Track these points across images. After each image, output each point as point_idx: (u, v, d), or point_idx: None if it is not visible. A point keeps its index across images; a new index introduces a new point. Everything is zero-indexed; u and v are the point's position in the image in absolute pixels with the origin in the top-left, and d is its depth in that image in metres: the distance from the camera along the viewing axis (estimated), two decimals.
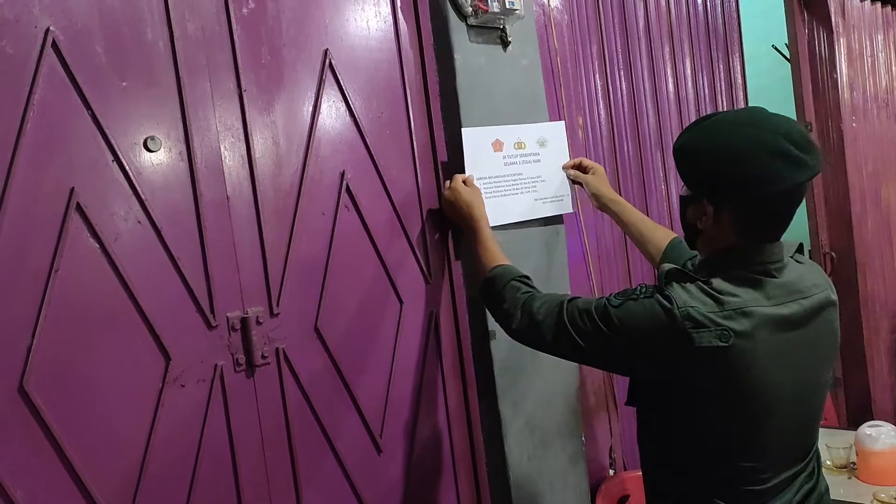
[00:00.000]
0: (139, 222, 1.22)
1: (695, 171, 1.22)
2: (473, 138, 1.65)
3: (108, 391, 1.17)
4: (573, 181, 1.82)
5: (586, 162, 1.82)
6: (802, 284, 1.20)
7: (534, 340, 1.32)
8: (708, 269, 1.21)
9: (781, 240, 1.22)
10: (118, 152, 1.20)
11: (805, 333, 1.19)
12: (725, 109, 2.65)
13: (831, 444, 2.12)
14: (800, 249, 1.28)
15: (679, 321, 1.12)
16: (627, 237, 1.84)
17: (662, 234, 1.69)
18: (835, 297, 1.26)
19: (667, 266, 1.23)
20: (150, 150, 1.24)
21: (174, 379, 1.24)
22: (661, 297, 1.15)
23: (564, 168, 1.81)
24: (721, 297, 1.14)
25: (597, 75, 2.17)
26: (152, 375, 1.22)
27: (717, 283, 1.16)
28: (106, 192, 1.19)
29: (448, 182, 1.63)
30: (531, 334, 1.31)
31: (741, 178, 1.14)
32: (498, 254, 1.49)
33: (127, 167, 1.20)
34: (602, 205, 1.78)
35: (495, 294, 1.40)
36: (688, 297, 1.14)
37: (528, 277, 1.41)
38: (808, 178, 1.13)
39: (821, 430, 2.33)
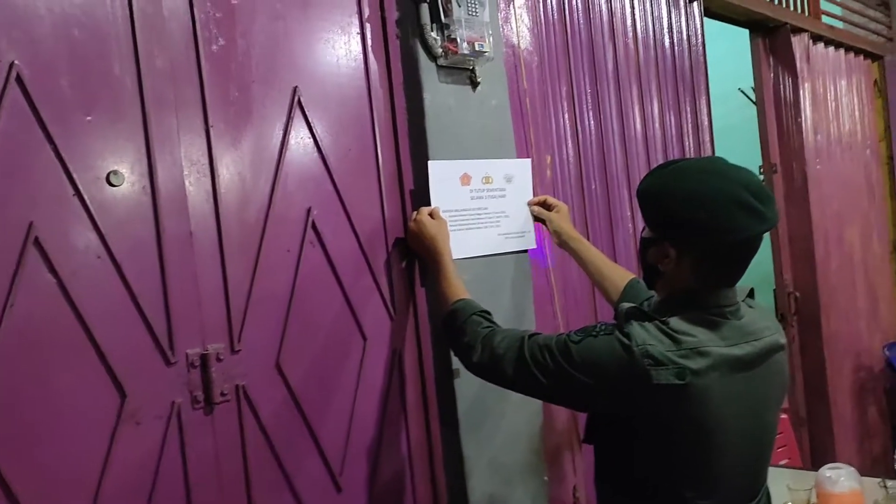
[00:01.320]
0: (98, 257, 1.21)
1: (659, 213, 1.25)
2: (440, 171, 1.67)
3: (60, 429, 1.15)
4: (536, 218, 1.85)
5: (551, 200, 1.85)
6: (754, 327, 1.25)
7: (494, 375, 1.33)
8: (665, 309, 1.24)
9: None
10: (80, 187, 1.19)
11: (756, 374, 1.23)
12: (692, 149, 2.70)
13: (793, 485, 2.13)
14: (751, 294, 1.34)
15: (637, 358, 1.15)
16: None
17: (620, 274, 1.72)
18: (783, 340, 1.30)
19: (626, 305, 1.27)
20: (112, 185, 1.23)
21: (129, 416, 1.22)
22: (620, 335, 1.18)
23: (529, 204, 1.84)
24: (678, 336, 1.17)
25: (566, 115, 2.20)
26: (107, 412, 1.20)
27: (675, 322, 1.19)
28: (65, 226, 1.17)
29: (414, 213, 1.65)
30: (491, 369, 1.32)
31: (704, 223, 1.17)
32: (460, 288, 1.50)
33: (88, 202, 1.20)
34: (562, 242, 1.82)
35: (456, 328, 1.41)
36: (646, 336, 1.17)
37: (488, 313, 1.43)
38: (765, 229, 1.18)
39: (784, 470, 2.35)
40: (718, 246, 1.18)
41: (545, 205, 1.85)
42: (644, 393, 1.15)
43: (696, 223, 1.17)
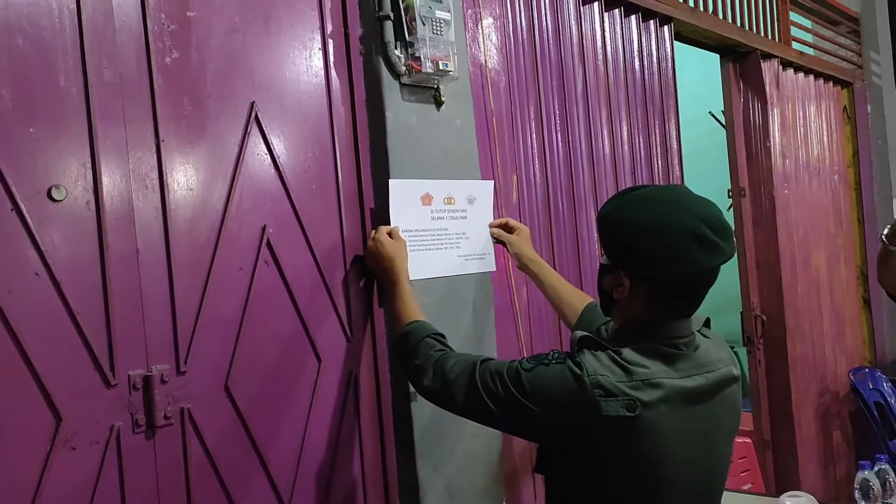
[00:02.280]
0: (37, 274, 1.16)
1: (613, 242, 1.24)
2: (401, 190, 1.64)
3: None
4: (497, 240, 1.83)
5: (512, 222, 1.84)
6: (708, 358, 1.24)
7: (444, 400, 1.30)
8: (619, 339, 1.23)
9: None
10: (18, 201, 1.14)
11: (709, 407, 1.22)
12: (661, 172, 2.70)
13: None
14: (707, 324, 1.33)
15: (588, 388, 1.13)
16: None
17: (579, 298, 1.71)
18: (737, 372, 1.29)
19: (579, 333, 1.25)
20: (54, 200, 1.19)
21: (64, 441, 1.17)
22: (572, 364, 1.16)
23: (490, 226, 1.83)
24: (630, 367, 1.15)
25: (533, 136, 2.19)
26: (40, 437, 1.15)
27: (627, 353, 1.17)
28: (2, 242, 1.13)
29: (373, 232, 1.62)
30: (442, 393, 1.29)
31: (656, 255, 1.16)
32: (415, 310, 1.47)
33: (27, 216, 1.15)
34: (523, 265, 1.81)
35: (409, 350, 1.38)
36: (598, 366, 1.15)
37: (443, 336, 1.40)
38: (720, 262, 1.16)
39: (746, 496, 2.35)
40: (673, 278, 1.17)
41: (507, 227, 1.83)
42: (593, 424, 1.13)
43: (651, 254, 1.16)
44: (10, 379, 1.13)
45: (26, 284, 1.15)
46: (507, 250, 1.83)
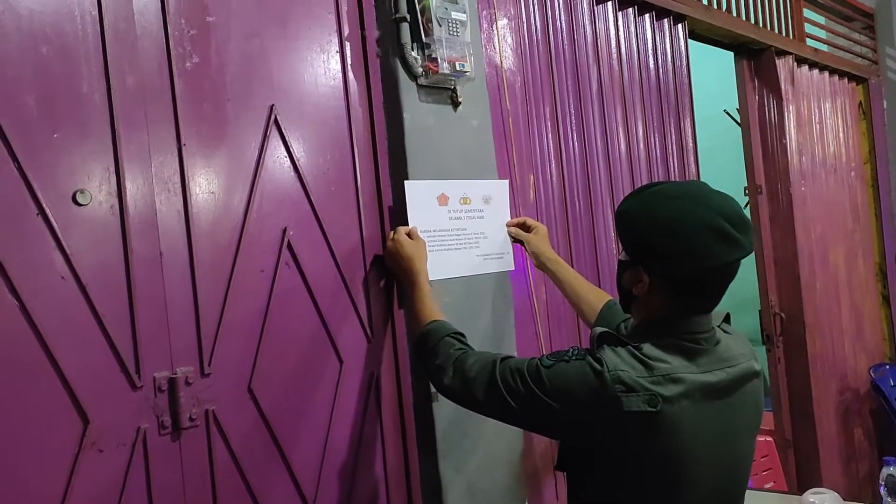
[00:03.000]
0: (63, 278, 1.18)
1: (632, 238, 1.24)
2: (417, 191, 1.65)
3: (18, 456, 1.11)
4: (514, 239, 1.83)
5: (530, 221, 1.85)
6: (729, 354, 1.23)
7: (464, 398, 1.31)
8: (639, 335, 1.23)
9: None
10: (44, 206, 1.16)
11: (730, 402, 1.21)
12: (677, 170, 2.69)
13: None
14: (727, 319, 1.32)
15: (609, 384, 1.13)
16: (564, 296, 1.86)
17: (597, 296, 1.71)
18: (758, 367, 1.28)
19: (599, 329, 1.25)
20: (79, 204, 1.20)
21: (92, 443, 1.18)
22: (592, 360, 1.16)
23: (507, 225, 1.83)
24: (651, 362, 1.15)
25: (549, 135, 2.18)
26: (68, 439, 1.16)
27: (648, 349, 1.17)
28: (28, 246, 1.14)
29: (392, 233, 1.62)
30: (462, 391, 1.30)
31: (675, 250, 1.15)
32: (435, 309, 1.48)
33: (53, 221, 1.16)
34: (541, 263, 1.81)
35: (429, 349, 1.39)
36: (618, 361, 1.15)
37: (462, 335, 1.41)
38: (740, 256, 1.16)
39: (768, 494, 2.33)
40: (692, 273, 1.17)
41: (524, 226, 1.83)
42: (614, 420, 1.13)
43: (669, 249, 1.16)
44: (37, 382, 1.14)
45: (52, 288, 1.16)
46: (525, 249, 1.83)
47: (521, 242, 1.84)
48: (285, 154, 1.50)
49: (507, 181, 1.87)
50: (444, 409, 1.66)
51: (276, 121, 1.48)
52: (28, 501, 1.12)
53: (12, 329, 1.12)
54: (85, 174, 1.21)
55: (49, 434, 1.14)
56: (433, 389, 1.63)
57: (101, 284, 1.21)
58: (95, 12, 1.24)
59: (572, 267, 2.18)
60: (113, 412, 1.21)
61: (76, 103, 1.21)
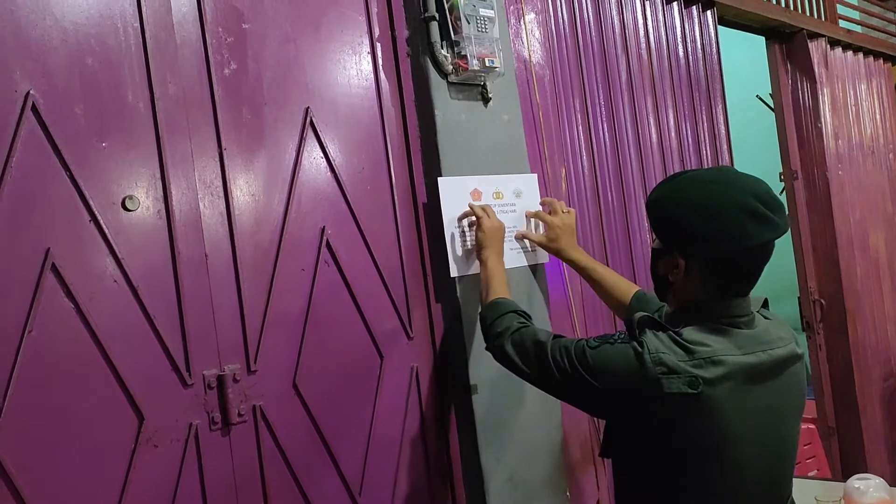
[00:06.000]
0: (115, 281, 1.22)
1: (666, 224, 1.25)
2: (450, 187, 1.67)
3: (79, 453, 1.16)
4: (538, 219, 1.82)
5: (556, 205, 1.80)
6: (769, 336, 1.23)
7: (516, 366, 1.37)
8: (677, 320, 1.24)
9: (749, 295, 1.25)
10: (95, 212, 1.21)
11: (772, 386, 1.21)
12: (709, 158, 2.68)
13: (821, 497, 2.09)
14: (765, 304, 1.33)
15: (650, 367, 1.15)
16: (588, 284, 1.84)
17: (627, 287, 1.71)
18: (800, 350, 1.28)
19: (639, 314, 1.26)
20: (128, 210, 1.25)
21: (147, 439, 1.23)
22: (635, 343, 1.19)
23: (528, 216, 1.82)
24: (691, 346, 1.16)
25: (580, 127, 2.19)
26: (125, 436, 1.21)
27: (687, 333, 1.19)
28: (82, 251, 1.19)
29: (483, 210, 1.67)
30: (516, 359, 1.36)
31: (710, 233, 1.17)
32: (505, 287, 1.56)
33: (104, 226, 1.21)
34: (567, 259, 1.78)
35: (496, 316, 1.45)
36: (659, 345, 1.17)
37: (527, 315, 1.46)
38: (774, 236, 1.16)
39: (812, 482, 2.31)
40: (727, 255, 1.18)
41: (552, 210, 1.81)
42: (655, 402, 1.15)
43: (704, 232, 1.17)
44: (95, 382, 1.19)
45: (106, 291, 1.21)
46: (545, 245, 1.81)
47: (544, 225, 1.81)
48: (321, 155, 1.53)
49: (535, 175, 1.88)
50: (484, 401, 1.68)
51: (311, 123, 1.52)
52: (89, 495, 1.17)
53: (70, 332, 1.17)
54: (133, 181, 1.26)
55: (107, 431, 1.19)
56: (473, 381, 1.65)
57: (150, 286, 1.26)
58: (137, 24, 1.29)
59: (606, 258, 2.20)
60: (166, 409, 1.26)
61: (122, 112, 1.26)
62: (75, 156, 1.20)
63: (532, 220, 1.84)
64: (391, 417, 1.60)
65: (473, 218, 1.67)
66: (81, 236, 1.20)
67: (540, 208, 1.86)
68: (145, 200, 1.27)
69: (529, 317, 1.46)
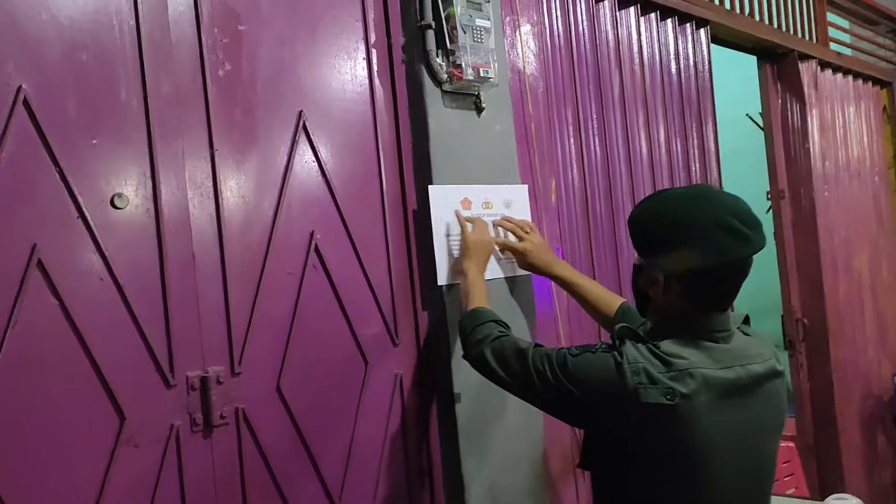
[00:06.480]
0: (101, 279, 1.22)
1: (646, 241, 1.28)
2: (441, 195, 1.68)
3: (58, 450, 1.15)
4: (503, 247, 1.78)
5: (517, 231, 1.77)
6: (747, 352, 1.25)
7: (495, 373, 1.37)
8: (656, 334, 1.26)
9: (730, 311, 1.28)
10: (84, 209, 1.20)
11: (750, 401, 1.22)
12: (699, 174, 2.70)
13: None
14: (747, 321, 1.34)
15: (628, 376, 1.16)
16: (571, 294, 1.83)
17: (611, 299, 1.72)
18: (781, 367, 1.30)
19: (619, 325, 1.28)
20: (116, 208, 1.24)
21: (128, 439, 1.22)
22: (615, 353, 1.20)
23: (494, 224, 1.77)
24: (669, 358, 1.18)
25: (571, 140, 2.20)
26: (105, 435, 1.20)
27: (666, 345, 1.20)
28: (69, 248, 1.19)
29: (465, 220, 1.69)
30: (495, 367, 1.37)
31: (688, 248, 1.20)
32: (486, 297, 1.58)
33: (92, 224, 1.21)
34: (547, 274, 1.78)
35: (475, 325, 1.46)
36: (638, 355, 1.19)
37: (507, 325, 1.47)
38: (751, 253, 1.19)
39: (790, 500, 2.33)
40: (705, 271, 1.20)
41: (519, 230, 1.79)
42: (633, 411, 1.16)
43: (682, 248, 1.20)
44: (77, 379, 1.18)
45: (91, 289, 1.21)
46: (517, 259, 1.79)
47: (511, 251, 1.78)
48: (313, 159, 1.53)
49: (526, 186, 1.89)
50: (467, 410, 1.68)
51: (304, 126, 1.52)
52: (68, 493, 1.16)
53: (54, 329, 1.16)
54: (122, 178, 1.25)
55: (88, 429, 1.18)
56: (457, 390, 1.66)
57: (137, 285, 1.25)
58: (133, 21, 1.29)
59: (593, 270, 2.21)
60: (148, 409, 1.25)
61: (114, 110, 1.26)
62: (66, 151, 1.19)
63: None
64: (374, 424, 1.60)
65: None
66: (69, 233, 1.19)
67: (530, 219, 1.86)
68: (134, 199, 1.27)
69: (508, 327, 1.47)
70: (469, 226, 1.68)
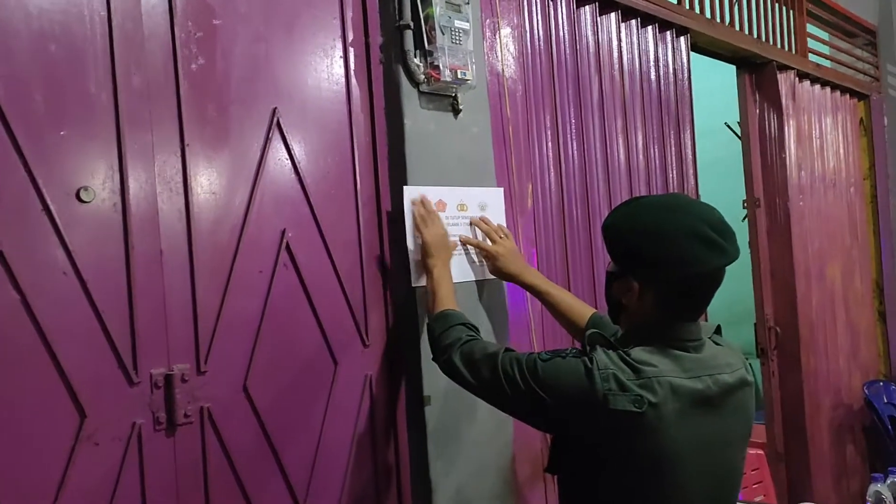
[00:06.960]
0: (64, 273, 1.20)
1: (620, 248, 1.28)
2: (415, 196, 1.67)
3: (15, 446, 1.13)
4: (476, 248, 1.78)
5: (492, 234, 1.78)
6: (716, 362, 1.25)
7: (464, 378, 1.36)
8: (628, 341, 1.26)
9: (701, 321, 1.28)
10: (48, 202, 1.18)
11: (719, 410, 1.23)
12: (675, 181, 2.71)
13: None
14: (718, 331, 1.35)
15: (597, 382, 1.17)
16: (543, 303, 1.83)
17: (583, 309, 1.72)
18: (750, 378, 1.30)
19: (591, 331, 1.30)
20: (82, 201, 1.22)
21: (88, 436, 1.20)
22: (585, 359, 1.20)
23: (462, 241, 1.76)
24: (638, 366, 1.18)
25: (549, 144, 2.20)
26: (65, 432, 1.18)
27: (636, 353, 1.21)
28: (32, 241, 1.16)
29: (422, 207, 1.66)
30: (464, 371, 1.36)
31: (662, 257, 1.20)
32: (453, 298, 1.56)
33: (56, 217, 1.19)
34: (518, 281, 1.77)
35: (443, 328, 1.45)
36: (608, 361, 1.19)
37: (476, 328, 1.47)
38: (724, 262, 1.20)
39: None
40: (679, 279, 1.20)
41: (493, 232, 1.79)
42: (601, 417, 1.16)
43: (656, 257, 1.20)
44: (37, 375, 1.16)
45: (54, 283, 1.18)
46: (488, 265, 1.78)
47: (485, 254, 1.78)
48: (286, 156, 1.52)
49: (501, 189, 1.89)
50: (437, 413, 1.67)
51: (278, 123, 1.50)
52: (24, 492, 1.14)
53: (13, 323, 1.14)
54: (89, 172, 1.23)
55: (47, 426, 1.16)
56: (427, 392, 1.65)
57: (101, 281, 1.23)
58: (104, 13, 1.27)
59: (568, 276, 2.21)
60: (109, 407, 1.23)
61: (83, 102, 1.23)
62: (31, 143, 1.17)
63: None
64: (342, 425, 1.59)
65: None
66: (32, 226, 1.17)
67: (504, 222, 1.86)
68: (101, 192, 1.25)
69: (478, 330, 1.46)
70: (422, 223, 1.64)
